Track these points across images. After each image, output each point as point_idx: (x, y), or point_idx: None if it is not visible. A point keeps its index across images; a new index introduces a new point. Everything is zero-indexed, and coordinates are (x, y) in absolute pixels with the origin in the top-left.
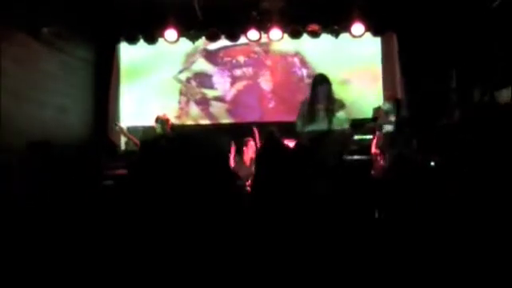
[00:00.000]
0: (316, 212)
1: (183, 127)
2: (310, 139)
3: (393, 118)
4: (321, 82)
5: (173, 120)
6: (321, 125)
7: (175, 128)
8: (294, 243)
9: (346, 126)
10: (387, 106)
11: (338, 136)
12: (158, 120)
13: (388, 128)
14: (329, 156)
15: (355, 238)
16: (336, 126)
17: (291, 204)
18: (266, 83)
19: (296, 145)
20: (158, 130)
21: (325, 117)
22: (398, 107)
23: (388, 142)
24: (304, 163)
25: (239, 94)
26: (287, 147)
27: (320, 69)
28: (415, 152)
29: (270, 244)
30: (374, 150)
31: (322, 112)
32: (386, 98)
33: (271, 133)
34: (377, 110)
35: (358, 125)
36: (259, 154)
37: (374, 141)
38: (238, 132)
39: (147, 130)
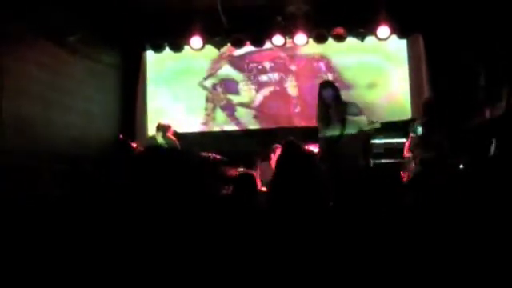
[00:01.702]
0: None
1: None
2: (327, 144)
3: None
4: (324, 87)
5: (200, 126)
6: (335, 129)
7: (178, 135)
8: (306, 248)
9: (365, 129)
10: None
11: (352, 140)
12: (159, 128)
13: (419, 130)
14: (343, 160)
15: (372, 243)
16: (351, 130)
17: (304, 207)
18: (291, 88)
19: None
20: (159, 137)
21: (337, 121)
22: (429, 110)
23: (419, 144)
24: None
25: (265, 99)
26: (305, 153)
27: (346, 73)
28: (445, 154)
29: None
30: (405, 153)
31: (334, 117)
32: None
33: (291, 141)
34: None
35: (386, 127)
36: (278, 159)
37: (407, 143)
38: (265, 137)
39: (151, 138)
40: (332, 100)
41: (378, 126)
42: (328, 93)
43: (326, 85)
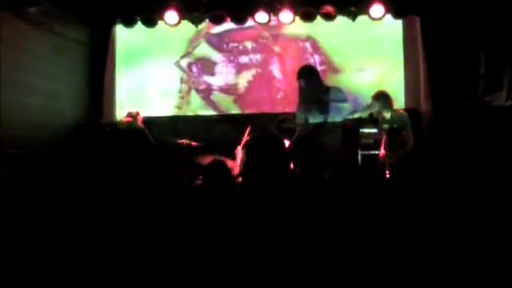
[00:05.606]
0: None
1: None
2: (308, 131)
3: (387, 114)
4: (299, 77)
5: (174, 110)
6: (316, 117)
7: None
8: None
9: (347, 117)
10: (377, 106)
11: (332, 128)
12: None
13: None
14: (324, 147)
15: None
16: (334, 118)
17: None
18: (274, 71)
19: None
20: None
21: (318, 108)
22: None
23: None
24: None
25: (245, 82)
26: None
27: (334, 55)
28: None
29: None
30: (382, 152)
31: (315, 104)
32: (373, 98)
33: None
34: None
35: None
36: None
37: (382, 145)
38: (244, 123)
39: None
40: (309, 88)
41: (364, 115)
42: (303, 83)
43: (300, 75)
